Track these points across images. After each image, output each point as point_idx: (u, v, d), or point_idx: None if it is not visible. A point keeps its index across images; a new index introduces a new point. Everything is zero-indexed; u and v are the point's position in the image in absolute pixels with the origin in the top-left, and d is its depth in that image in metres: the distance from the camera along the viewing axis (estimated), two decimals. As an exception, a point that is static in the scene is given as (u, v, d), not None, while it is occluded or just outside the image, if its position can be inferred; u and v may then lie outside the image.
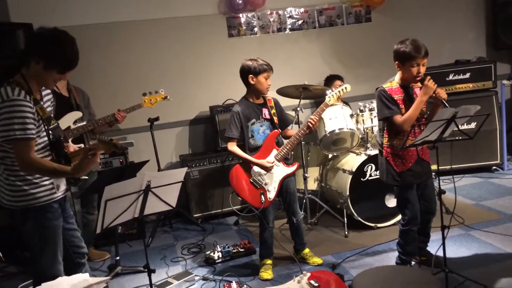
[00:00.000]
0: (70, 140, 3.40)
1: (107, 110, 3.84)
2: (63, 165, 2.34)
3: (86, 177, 3.43)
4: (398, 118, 2.82)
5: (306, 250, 3.52)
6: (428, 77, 2.75)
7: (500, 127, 4.97)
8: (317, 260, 3.44)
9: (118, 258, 3.62)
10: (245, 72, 3.25)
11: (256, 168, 3.24)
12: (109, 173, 3.86)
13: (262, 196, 3.20)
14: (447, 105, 2.71)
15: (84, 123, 3.65)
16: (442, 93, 2.75)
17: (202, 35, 4.91)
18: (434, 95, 2.75)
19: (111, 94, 4.64)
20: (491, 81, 4.99)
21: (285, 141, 3.32)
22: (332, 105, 4.29)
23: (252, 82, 3.25)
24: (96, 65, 4.63)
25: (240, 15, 4.96)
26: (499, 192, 4.46)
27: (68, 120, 3.60)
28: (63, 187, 2.50)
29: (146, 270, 2.59)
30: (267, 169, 3.21)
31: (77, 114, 3.66)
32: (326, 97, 3.26)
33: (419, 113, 2.87)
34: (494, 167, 5.09)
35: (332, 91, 3.26)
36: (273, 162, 3.22)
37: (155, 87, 4.13)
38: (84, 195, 3.84)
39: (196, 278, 3.38)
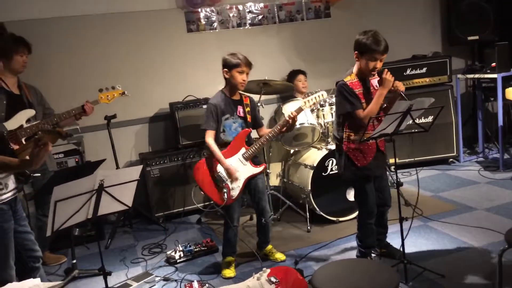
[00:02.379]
0: (23, 139, 3.25)
1: (62, 107, 3.69)
2: None
3: (38, 174, 3.30)
4: (361, 112, 2.82)
5: (269, 247, 3.50)
6: (386, 70, 2.75)
7: (456, 121, 5.11)
8: (280, 256, 3.43)
9: (74, 261, 3.49)
10: (222, 66, 3.24)
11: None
12: (63, 172, 3.71)
13: (225, 194, 3.15)
14: (405, 97, 2.74)
15: (38, 121, 3.50)
16: (401, 85, 2.78)
17: (161, 30, 4.80)
18: (393, 88, 2.76)
19: (66, 91, 4.46)
20: (447, 76, 5.13)
21: (256, 141, 3.28)
22: (291, 100, 4.34)
23: (226, 76, 3.22)
24: (48, 61, 4.44)
25: (199, 9, 4.87)
26: (456, 184, 4.59)
27: (20, 119, 3.44)
28: (11, 185, 2.39)
29: (101, 273, 2.50)
30: (230, 176, 3.17)
31: (30, 112, 3.50)
32: (302, 101, 3.25)
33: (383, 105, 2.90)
34: (450, 160, 5.24)
35: (308, 96, 3.28)
36: (237, 177, 3.18)
37: (113, 83, 3.99)
38: (38, 196, 3.68)
39: (157, 279, 3.30)
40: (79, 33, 4.55)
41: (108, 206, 2.40)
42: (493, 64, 4.72)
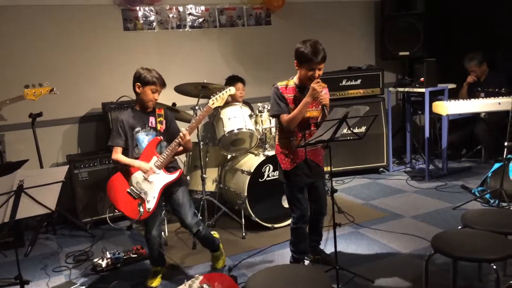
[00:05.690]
0: None
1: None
2: None
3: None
4: (285, 116, 2.86)
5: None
6: (317, 80, 2.77)
7: (386, 132, 5.33)
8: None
9: (-12, 270, 3.21)
10: (134, 79, 3.08)
11: (134, 177, 3.04)
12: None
13: (141, 207, 2.98)
14: (326, 112, 2.78)
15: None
16: (325, 99, 2.80)
17: (95, 27, 4.59)
18: (317, 98, 2.79)
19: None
20: (379, 88, 5.35)
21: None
22: (229, 105, 4.29)
23: (138, 90, 3.07)
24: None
25: (137, 8, 4.72)
26: (385, 192, 4.77)
27: None
28: None
29: (18, 281, 2.30)
30: (144, 172, 3.02)
31: None
32: (210, 100, 3.18)
33: (316, 116, 2.91)
34: (381, 169, 5.44)
35: (216, 94, 3.19)
36: (152, 169, 3.04)
37: (41, 80, 3.77)
38: None
39: (81, 288, 3.11)
40: (4, 23, 4.23)
41: (28, 209, 2.22)
42: (422, 79, 4.97)
